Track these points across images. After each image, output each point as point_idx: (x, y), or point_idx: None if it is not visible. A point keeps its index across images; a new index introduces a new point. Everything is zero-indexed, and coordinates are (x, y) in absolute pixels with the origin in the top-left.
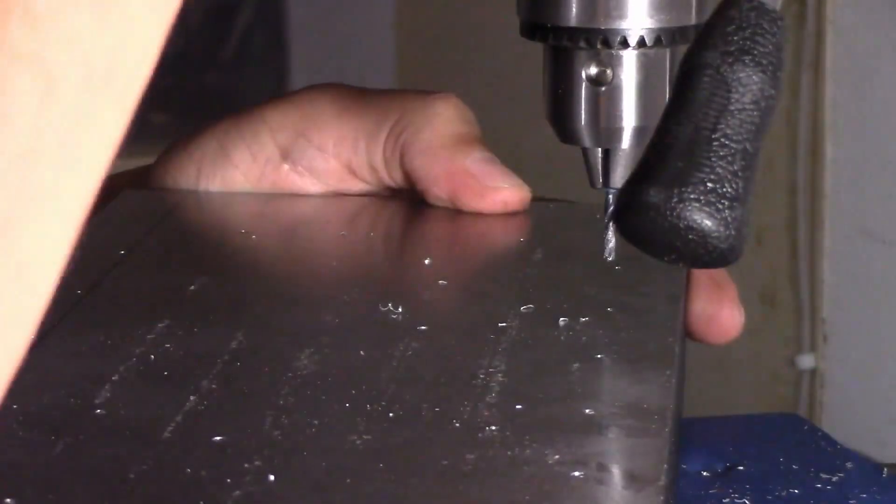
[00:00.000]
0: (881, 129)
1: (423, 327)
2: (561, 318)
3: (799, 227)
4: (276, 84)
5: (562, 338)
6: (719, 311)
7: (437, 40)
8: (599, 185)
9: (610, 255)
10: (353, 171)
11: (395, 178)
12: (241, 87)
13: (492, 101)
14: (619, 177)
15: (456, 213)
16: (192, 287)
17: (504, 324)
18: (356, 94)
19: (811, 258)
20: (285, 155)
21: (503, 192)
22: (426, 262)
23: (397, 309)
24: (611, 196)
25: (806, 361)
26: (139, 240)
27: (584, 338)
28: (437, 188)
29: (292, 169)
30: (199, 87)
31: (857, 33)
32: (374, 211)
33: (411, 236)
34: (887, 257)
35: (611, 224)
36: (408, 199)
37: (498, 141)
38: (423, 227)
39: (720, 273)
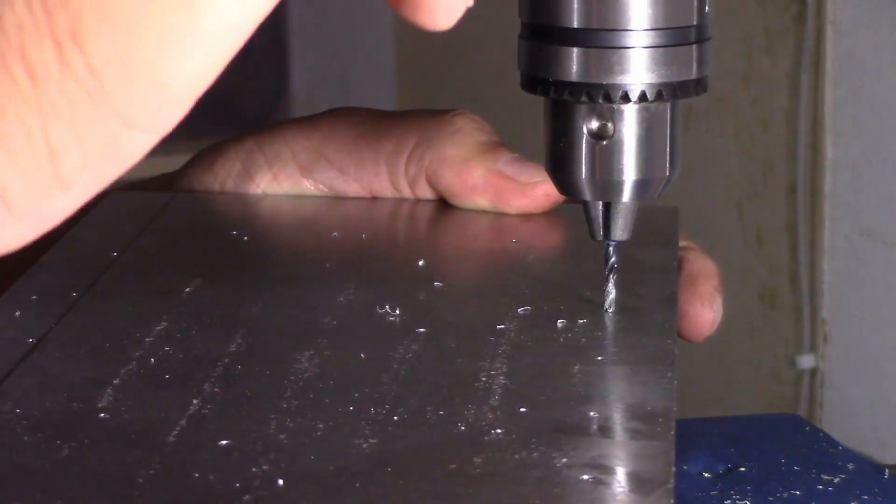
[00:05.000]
0: (881, 129)
1: (421, 329)
2: (559, 320)
3: (799, 227)
4: (276, 84)
5: (561, 339)
6: (689, 307)
7: (436, 40)
8: (600, 238)
9: (610, 306)
10: (374, 192)
11: (419, 196)
12: (241, 87)
13: (492, 100)
14: (620, 229)
15: (448, 213)
16: (188, 289)
17: (502, 326)
18: (374, 118)
19: (811, 258)
20: (306, 173)
21: (543, 185)
22: (420, 263)
23: (394, 311)
24: (611, 248)
25: (806, 361)
26: (130, 241)
27: (582, 340)
28: (478, 197)
29: (313, 185)
30: None
31: (857, 33)
32: (368, 212)
33: (405, 237)
34: (887, 257)
35: (611, 276)
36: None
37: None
38: (417, 228)
39: (699, 267)
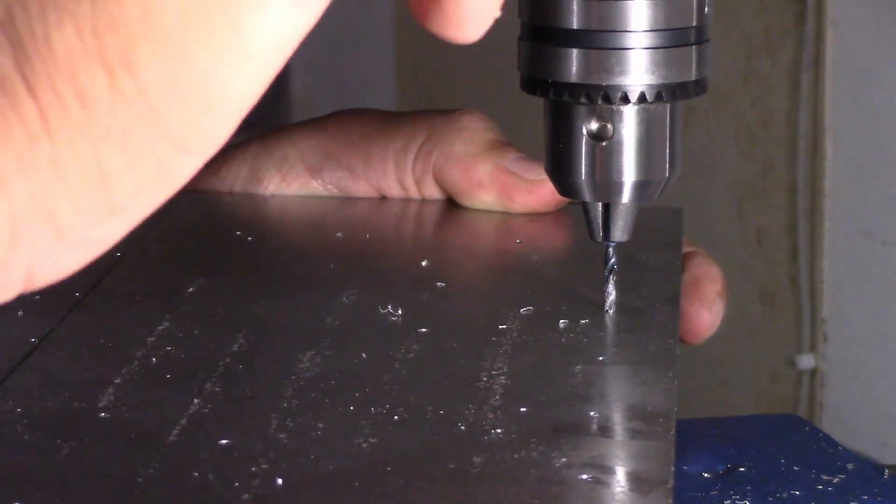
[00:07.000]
0: (881, 129)
1: (423, 329)
2: (561, 320)
3: (799, 227)
4: (276, 84)
5: (562, 339)
6: (688, 308)
7: (437, 41)
8: (599, 239)
9: (610, 307)
10: (381, 191)
11: (426, 194)
12: None
13: (493, 100)
14: (620, 230)
15: (453, 214)
16: (191, 289)
17: (504, 326)
18: (382, 117)
19: (811, 258)
20: (315, 174)
21: (549, 183)
22: (423, 263)
23: (397, 311)
24: (611, 249)
25: (806, 361)
26: (135, 241)
27: (584, 340)
28: (484, 193)
29: (321, 185)
30: None
31: (857, 33)
32: (372, 213)
33: (409, 238)
34: (887, 257)
35: (611, 277)
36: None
37: None
38: (421, 228)
39: (703, 271)
